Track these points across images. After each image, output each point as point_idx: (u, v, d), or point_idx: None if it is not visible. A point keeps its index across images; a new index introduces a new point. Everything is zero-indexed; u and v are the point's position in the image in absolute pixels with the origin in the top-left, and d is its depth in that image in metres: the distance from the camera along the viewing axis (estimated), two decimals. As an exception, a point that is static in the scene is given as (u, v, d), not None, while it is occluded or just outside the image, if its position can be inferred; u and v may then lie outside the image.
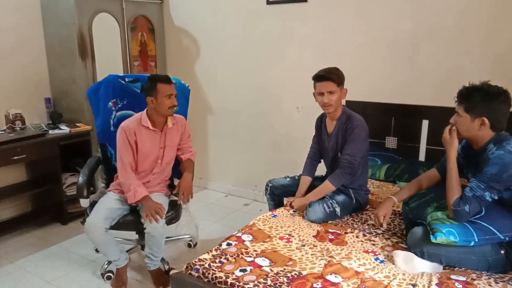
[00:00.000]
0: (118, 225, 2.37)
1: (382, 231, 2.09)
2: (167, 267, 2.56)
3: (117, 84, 2.68)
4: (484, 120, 1.76)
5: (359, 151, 2.27)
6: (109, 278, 2.50)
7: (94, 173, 2.61)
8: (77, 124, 3.29)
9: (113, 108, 2.69)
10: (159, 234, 2.28)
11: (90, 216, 2.29)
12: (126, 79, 2.70)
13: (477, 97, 1.76)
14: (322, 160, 2.56)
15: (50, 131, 3.14)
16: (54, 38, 3.35)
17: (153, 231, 2.26)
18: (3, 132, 3.06)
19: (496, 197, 1.73)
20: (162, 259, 2.59)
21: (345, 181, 2.29)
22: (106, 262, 2.55)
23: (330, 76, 2.23)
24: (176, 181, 2.65)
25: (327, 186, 2.29)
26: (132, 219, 2.40)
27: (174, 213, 2.48)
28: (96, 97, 2.70)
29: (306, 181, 2.47)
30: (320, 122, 2.49)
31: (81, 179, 2.46)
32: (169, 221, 2.44)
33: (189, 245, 2.94)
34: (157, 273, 2.44)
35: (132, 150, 2.42)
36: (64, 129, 3.17)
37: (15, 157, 2.86)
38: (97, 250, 2.82)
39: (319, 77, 2.26)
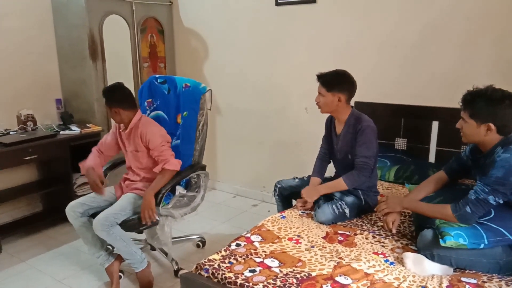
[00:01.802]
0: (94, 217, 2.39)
1: (392, 232, 2.08)
2: (176, 267, 2.58)
3: (152, 85, 2.78)
4: (490, 126, 1.74)
5: (373, 152, 2.27)
6: (120, 276, 2.52)
7: (117, 166, 2.77)
8: (87, 124, 3.32)
9: (147, 108, 2.80)
10: (103, 236, 2.25)
11: None
12: (158, 80, 2.78)
13: (481, 103, 1.74)
14: (331, 161, 2.56)
15: (61, 132, 3.17)
16: (64, 40, 3.38)
17: (96, 232, 2.26)
18: (15, 132, 3.10)
19: (501, 201, 1.71)
20: (172, 259, 2.61)
21: (360, 183, 2.28)
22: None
23: (319, 79, 2.30)
24: (180, 188, 2.64)
25: (340, 184, 2.27)
26: None
27: (135, 219, 2.33)
28: (140, 96, 2.85)
29: (315, 182, 2.46)
30: (330, 123, 2.49)
31: (102, 170, 2.63)
32: (130, 227, 2.35)
33: (198, 245, 2.96)
34: (139, 276, 2.39)
35: (116, 139, 2.58)
36: (75, 129, 3.20)
37: (27, 157, 2.89)
38: (105, 250, 2.85)
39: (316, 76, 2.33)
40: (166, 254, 2.69)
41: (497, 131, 1.76)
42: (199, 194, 2.65)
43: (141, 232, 2.45)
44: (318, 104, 2.34)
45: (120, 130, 2.55)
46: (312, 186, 2.38)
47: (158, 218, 2.38)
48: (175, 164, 2.41)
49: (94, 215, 2.38)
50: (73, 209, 2.37)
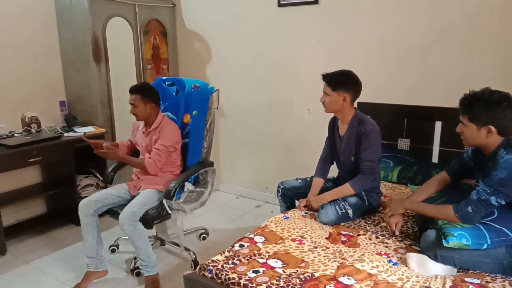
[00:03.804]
0: (110, 213, 2.52)
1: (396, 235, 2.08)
2: (194, 256, 2.66)
3: (160, 87, 2.85)
4: (490, 128, 1.75)
5: (378, 155, 2.29)
6: (138, 274, 2.56)
7: (124, 165, 2.81)
8: (91, 127, 3.34)
9: None
10: (128, 232, 2.30)
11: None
12: (166, 83, 2.86)
13: (479, 107, 1.75)
14: (334, 162, 2.56)
15: (65, 134, 3.19)
16: (69, 43, 3.41)
17: (122, 226, 2.31)
18: (19, 134, 3.12)
19: (503, 202, 1.71)
20: (187, 249, 2.69)
21: (367, 187, 2.28)
22: (133, 258, 2.64)
23: (325, 78, 2.30)
24: (189, 185, 2.68)
25: (347, 189, 2.28)
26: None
27: (154, 213, 2.43)
28: None
29: (318, 182, 2.47)
30: (333, 124, 2.49)
31: (110, 168, 2.77)
32: (148, 221, 2.41)
33: (204, 238, 3.06)
34: (148, 281, 2.40)
35: (134, 138, 2.76)
36: (79, 131, 3.22)
37: (31, 159, 2.91)
38: (112, 251, 2.87)
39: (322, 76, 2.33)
40: (179, 245, 2.77)
41: (498, 133, 1.76)
42: (207, 189, 2.73)
43: (150, 227, 2.49)
44: (323, 104, 2.34)
45: (140, 128, 2.68)
46: (320, 196, 2.36)
47: (170, 212, 2.48)
48: (151, 168, 2.50)
49: (107, 212, 2.52)
50: (87, 205, 2.43)
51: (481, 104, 1.75)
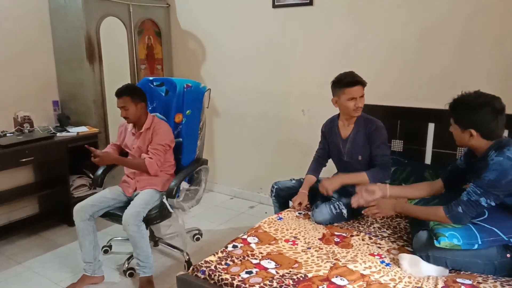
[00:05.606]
0: (108, 216, 2.49)
1: (388, 234, 2.09)
2: (188, 257, 2.65)
3: (147, 88, 2.82)
4: (472, 132, 1.77)
5: (389, 150, 2.35)
6: (131, 275, 2.55)
7: (112, 168, 2.76)
8: (84, 126, 3.32)
9: None
10: (132, 232, 2.28)
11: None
12: (154, 83, 2.84)
13: (462, 110, 1.79)
14: (326, 164, 2.59)
15: (58, 134, 3.17)
16: (62, 42, 3.38)
17: (126, 227, 2.29)
18: (11, 134, 3.09)
19: (492, 203, 1.72)
20: (181, 250, 2.69)
21: (380, 179, 2.28)
22: (126, 258, 2.63)
23: (361, 80, 2.29)
24: (184, 184, 2.68)
25: (363, 177, 2.27)
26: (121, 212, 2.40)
27: (156, 213, 2.44)
28: None
29: (311, 179, 2.48)
30: (331, 127, 2.49)
31: (99, 170, 2.69)
32: (150, 221, 2.43)
33: (197, 239, 3.05)
34: (143, 282, 2.39)
35: (122, 141, 2.69)
36: (72, 131, 3.20)
37: (24, 159, 2.89)
38: (105, 252, 2.86)
39: (352, 82, 2.27)
40: (172, 247, 2.80)
41: (482, 136, 1.78)
42: (201, 187, 2.76)
43: (146, 227, 2.50)
44: (361, 107, 2.35)
45: (130, 130, 2.63)
46: (333, 179, 2.33)
47: (171, 211, 2.48)
48: (152, 167, 2.49)
49: (104, 216, 2.48)
50: (83, 209, 2.40)
51: (463, 108, 1.78)
